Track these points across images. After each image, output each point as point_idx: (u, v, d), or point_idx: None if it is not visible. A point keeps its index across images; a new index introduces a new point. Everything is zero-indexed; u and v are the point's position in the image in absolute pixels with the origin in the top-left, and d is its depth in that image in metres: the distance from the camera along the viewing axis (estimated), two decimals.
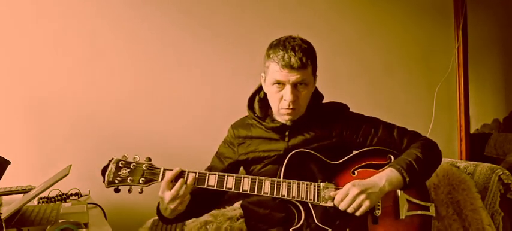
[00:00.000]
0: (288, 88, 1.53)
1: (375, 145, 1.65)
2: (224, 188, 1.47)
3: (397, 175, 1.52)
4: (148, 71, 2.51)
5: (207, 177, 1.46)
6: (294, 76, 1.51)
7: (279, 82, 1.54)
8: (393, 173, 1.52)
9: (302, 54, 1.50)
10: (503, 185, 2.01)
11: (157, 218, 2.10)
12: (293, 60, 1.49)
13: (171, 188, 1.43)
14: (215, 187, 1.46)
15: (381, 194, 1.50)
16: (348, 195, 1.46)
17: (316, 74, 1.62)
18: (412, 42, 3.04)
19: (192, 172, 1.46)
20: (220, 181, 1.47)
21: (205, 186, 1.46)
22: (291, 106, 1.55)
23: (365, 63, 2.93)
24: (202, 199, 1.64)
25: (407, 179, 1.52)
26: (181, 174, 1.45)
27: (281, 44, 1.53)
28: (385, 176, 1.51)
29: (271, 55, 1.54)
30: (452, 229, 1.97)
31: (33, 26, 2.34)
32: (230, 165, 1.72)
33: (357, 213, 1.47)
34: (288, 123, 1.62)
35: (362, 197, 1.45)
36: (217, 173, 1.48)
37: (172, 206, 1.45)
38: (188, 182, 1.44)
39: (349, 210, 1.46)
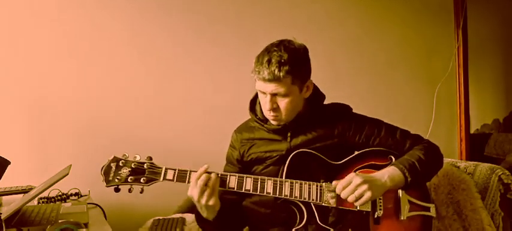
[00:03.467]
0: (267, 97, 1.55)
1: (376, 146, 1.65)
2: (226, 188, 1.47)
3: (399, 173, 1.53)
4: (149, 71, 2.51)
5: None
6: (269, 88, 1.53)
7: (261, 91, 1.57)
8: (395, 171, 1.54)
9: (276, 67, 1.49)
10: (503, 185, 2.00)
11: (157, 218, 2.12)
12: (266, 73, 1.50)
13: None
14: (218, 186, 1.46)
15: (383, 189, 1.50)
16: (351, 183, 1.46)
17: (309, 80, 1.61)
18: (412, 42, 3.04)
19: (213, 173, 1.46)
20: (223, 181, 1.47)
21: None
22: (271, 114, 1.57)
23: (365, 63, 2.93)
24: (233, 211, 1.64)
25: (409, 178, 1.53)
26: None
27: (260, 55, 1.55)
28: (387, 173, 1.53)
29: (254, 65, 1.56)
30: (452, 229, 1.97)
31: (34, 26, 2.34)
32: (239, 168, 1.73)
33: (358, 203, 1.47)
34: (278, 126, 1.63)
35: (364, 186, 1.45)
36: (216, 172, 1.47)
37: (203, 201, 1.43)
38: (212, 176, 1.44)
39: (350, 199, 1.46)
